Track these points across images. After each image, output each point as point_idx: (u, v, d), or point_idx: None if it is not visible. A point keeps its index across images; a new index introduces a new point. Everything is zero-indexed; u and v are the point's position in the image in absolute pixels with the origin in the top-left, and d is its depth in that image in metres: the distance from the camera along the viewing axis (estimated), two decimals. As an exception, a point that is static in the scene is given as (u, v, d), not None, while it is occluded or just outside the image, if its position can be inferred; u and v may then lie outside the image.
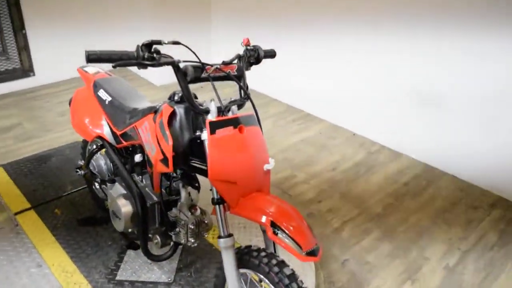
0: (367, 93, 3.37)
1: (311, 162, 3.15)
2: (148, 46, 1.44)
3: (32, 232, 2.34)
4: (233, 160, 1.49)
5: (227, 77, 1.61)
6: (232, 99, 1.63)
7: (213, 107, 1.55)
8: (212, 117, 1.54)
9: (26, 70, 4.19)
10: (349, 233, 2.48)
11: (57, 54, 4.28)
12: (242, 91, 1.66)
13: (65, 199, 2.59)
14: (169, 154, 1.59)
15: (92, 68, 2.39)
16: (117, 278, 2.05)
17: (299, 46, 3.73)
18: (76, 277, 2.06)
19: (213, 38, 4.59)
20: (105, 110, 2.09)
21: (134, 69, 4.69)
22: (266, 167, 1.57)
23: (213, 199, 1.55)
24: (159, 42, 1.46)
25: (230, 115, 1.58)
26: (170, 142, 1.58)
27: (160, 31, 4.07)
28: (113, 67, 1.37)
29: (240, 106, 1.65)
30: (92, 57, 1.40)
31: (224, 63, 1.63)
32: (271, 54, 1.84)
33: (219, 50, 4.54)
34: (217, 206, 1.56)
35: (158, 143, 1.64)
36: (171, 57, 1.49)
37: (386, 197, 2.80)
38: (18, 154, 3.12)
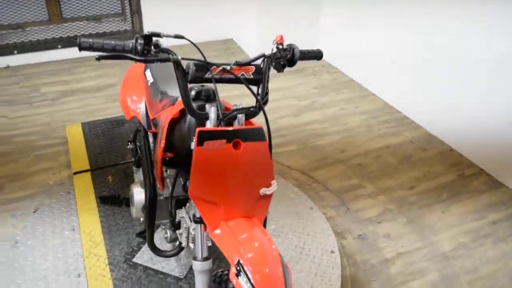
0: (479, 107, 2.82)
1: (387, 174, 2.77)
2: (147, 38, 1.29)
3: (80, 195, 2.44)
4: (219, 179, 1.29)
5: (237, 80, 1.39)
6: (240, 106, 1.41)
7: (212, 113, 1.36)
8: (210, 125, 1.36)
9: (137, 33, 4.38)
10: (400, 268, 2.12)
11: (167, 21, 4.39)
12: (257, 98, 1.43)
13: (120, 168, 2.65)
14: (159, 156, 1.46)
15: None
16: (134, 260, 2.03)
17: (424, 43, 3.24)
18: (98, 249, 2.09)
19: (321, 26, 4.29)
20: (146, 91, 2.03)
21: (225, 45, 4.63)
22: (263, 191, 1.35)
23: (193, 215, 1.39)
24: (158, 35, 1.30)
25: (235, 125, 1.38)
26: (162, 144, 1.44)
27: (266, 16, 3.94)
28: (97, 59, 1.26)
29: (250, 116, 1.42)
30: (84, 46, 1.30)
31: (238, 64, 1.41)
32: (314, 55, 1.57)
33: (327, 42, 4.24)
34: (196, 224, 1.41)
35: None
36: (173, 53, 1.33)
37: (459, 235, 2.34)
38: (101, 115, 3.29)
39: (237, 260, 1.19)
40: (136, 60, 1.29)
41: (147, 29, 4.38)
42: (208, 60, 1.36)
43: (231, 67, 1.38)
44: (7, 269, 1.99)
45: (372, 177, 2.73)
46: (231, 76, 1.38)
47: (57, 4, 4.32)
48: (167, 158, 1.48)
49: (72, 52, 4.22)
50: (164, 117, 1.57)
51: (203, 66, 1.35)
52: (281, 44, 1.48)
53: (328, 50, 4.22)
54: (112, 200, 1.89)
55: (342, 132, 3.16)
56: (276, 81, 3.86)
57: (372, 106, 3.53)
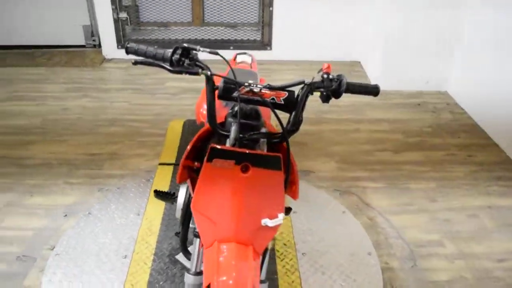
0: None
1: (477, 238, 2.40)
2: (185, 50, 1.34)
3: (156, 185, 2.62)
4: (221, 199, 1.27)
5: (265, 103, 1.35)
6: (263, 130, 1.37)
7: (233, 133, 1.35)
8: (228, 143, 1.35)
9: (265, 44, 4.53)
10: None
11: (296, 35, 4.45)
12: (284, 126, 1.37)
13: (200, 168, 2.78)
14: (181, 162, 1.48)
15: (245, 57, 2.40)
16: (176, 256, 2.10)
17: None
18: (151, 238, 2.22)
19: (455, 61, 3.90)
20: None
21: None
22: (265, 222, 1.28)
23: (194, 228, 1.39)
24: (194, 48, 1.34)
25: (257, 149, 1.35)
26: (186, 152, 1.47)
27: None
28: (133, 63, 1.35)
29: (271, 143, 1.38)
30: (130, 50, 1.40)
31: (270, 87, 1.37)
32: (368, 90, 1.44)
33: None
34: (196, 238, 1.40)
35: None
36: (206, 67, 1.36)
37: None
38: (206, 115, 3.48)
39: (208, 284, 1.16)
40: (167, 70, 1.34)
41: (275, 41, 4.50)
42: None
43: (260, 89, 1.35)
44: (74, 235, 2.24)
45: (456, 238, 2.40)
46: (259, 99, 1.35)
47: (201, 8, 4.70)
48: (194, 167, 1.50)
49: (205, 54, 4.53)
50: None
51: (233, 85, 1.34)
52: (327, 73, 1.39)
53: (458, 88, 3.84)
54: (165, 196, 2.00)
55: (441, 180, 2.84)
56: (388, 111, 3.64)
57: (490, 158, 3.10)
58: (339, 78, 1.38)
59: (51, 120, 3.43)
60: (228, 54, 4.47)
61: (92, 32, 4.66)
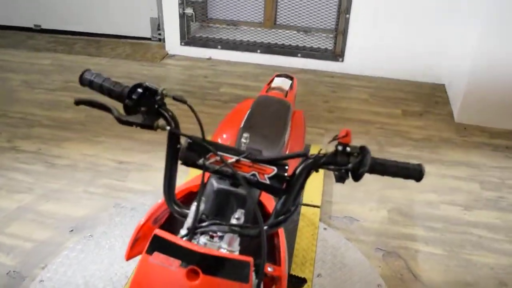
0: None
1: None
2: (147, 90, 1.00)
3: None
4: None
5: (237, 180, 0.97)
6: (236, 217, 0.99)
7: (190, 217, 0.99)
8: (183, 231, 0.98)
9: (337, 55, 4.06)
10: None
11: (373, 48, 3.93)
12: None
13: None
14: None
15: (283, 80, 2.00)
16: None
17: None
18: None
19: None
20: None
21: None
22: None
23: None
24: (156, 91, 0.99)
25: (221, 245, 0.97)
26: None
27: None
28: (75, 103, 1.03)
29: (244, 236, 0.98)
30: (85, 81, 1.09)
31: (254, 159, 0.98)
32: (401, 172, 1.00)
33: None
34: None
35: None
36: (171, 118, 1.00)
37: None
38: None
39: None
40: (115, 118, 1.00)
41: (348, 52, 4.01)
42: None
43: (237, 161, 0.97)
44: (67, 260, 2.02)
45: None
46: (231, 171, 0.97)
47: (274, 9, 4.33)
48: None
49: (270, 59, 4.20)
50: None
51: (200, 147, 0.98)
52: (346, 144, 0.97)
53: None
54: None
55: (519, 257, 2.24)
56: (469, 152, 3.02)
57: None
58: (361, 153, 0.96)
59: (95, 116, 3.30)
60: (296, 62, 4.12)
61: (158, 26, 4.51)
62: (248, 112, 1.69)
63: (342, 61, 4.06)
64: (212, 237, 0.96)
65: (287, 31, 4.29)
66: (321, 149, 1.01)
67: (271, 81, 2.00)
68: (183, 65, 4.22)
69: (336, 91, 3.79)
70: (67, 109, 3.40)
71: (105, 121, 3.24)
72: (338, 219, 2.40)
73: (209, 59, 4.32)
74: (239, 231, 0.96)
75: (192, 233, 0.95)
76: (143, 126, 0.98)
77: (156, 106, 1.00)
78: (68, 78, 3.88)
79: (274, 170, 0.97)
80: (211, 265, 0.89)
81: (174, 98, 0.99)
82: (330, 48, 4.08)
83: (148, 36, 4.65)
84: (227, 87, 3.80)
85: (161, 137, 3.05)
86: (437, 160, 2.93)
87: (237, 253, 0.97)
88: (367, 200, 2.56)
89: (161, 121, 1.00)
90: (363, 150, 0.95)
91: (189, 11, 4.16)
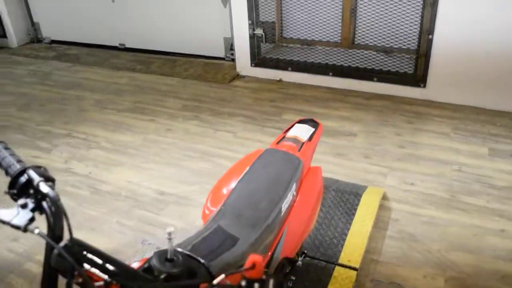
0: None
1: None
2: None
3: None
4: None
5: None
6: None
7: None
8: None
9: (418, 80, 3.59)
10: None
11: (460, 72, 3.40)
12: None
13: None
14: None
15: (304, 128, 1.70)
16: None
17: None
18: None
19: None
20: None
21: None
22: None
23: None
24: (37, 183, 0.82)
25: None
26: None
27: None
28: None
29: None
30: None
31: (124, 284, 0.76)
32: None
33: None
34: None
35: None
36: (54, 215, 0.81)
37: None
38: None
39: None
40: None
41: (431, 77, 3.52)
42: None
43: (109, 283, 0.76)
44: None
45: None
46: None
47: (352, 28, 4.00)
48: None
49: (342, 83, 3.86)
50: None
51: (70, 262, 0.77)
52: (252, 280, 0.71)
53: None
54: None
55: None
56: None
57: None
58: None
59: (149, 141, 3.27)
60: (371, 86, 3.72)
61: (231, 46, 4.42)
62: (245, 171, 1.44)
63: (424, 86, 3.58)
64: None
65: (366, 52, 3.92)
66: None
67: (290, 127, 1.72)
68: (251, 87, 4.07)
69: (413, 121, 3.33)
70: (127, 131, 3.43)
71: (158, 146, 3.20)
72: (380, 284, 2.03)
73: (280, 81, 4.11)
74: None
75: None
76: (12, 226, 0.79)
77: (37, 198, 0.81)
78: (138, 99, 3.94)
79: None
80: None
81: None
82: (410, 72, 3.62)
83: (222, 56, 4.58)
84: (291, 113, 3.55)
85: (212, 167, 2.93)
86: (525, 217, 2.38)
87: None
88: (423, 263, 2.13)
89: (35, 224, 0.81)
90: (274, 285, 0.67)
91: (259, 31, 4.00)
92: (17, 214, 0.79)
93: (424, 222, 2.38)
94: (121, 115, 3.70)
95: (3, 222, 0.79)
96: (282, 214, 1.34)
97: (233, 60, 4.44)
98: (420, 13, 3.45)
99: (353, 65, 3.84)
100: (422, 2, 3.36)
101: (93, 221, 2.50)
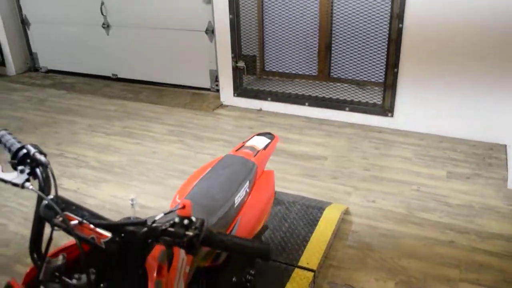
0: None
1: None
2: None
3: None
4: None
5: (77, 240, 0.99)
6: (76, 277, 0.99)
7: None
8: None
9: (386, 110, 3.90)
10: None
11: (424, 102, 3.71)
12: None
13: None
14: None
15: (262, 139, 1.97)
16: None
17: None
18: None
19: None
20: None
21: None
22: None
23: None
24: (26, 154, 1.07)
25: None
26: None
27: None
28: None
29: None
30: None
31: (95, 223, 1.01)
32: (242, 250, 0.94)
33: None
34: None
35: None
36: (44, 179, 1.06)
37: None
38: (283, 186, 3.08)
39: None
40: None
41: (398, 107, 3.83)
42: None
43: (80, 223, 0.99)
44: None
45: None
46: (76, 233, 0.99)
47: (327, 62, 4.34)
48: None
49: (317, 112, 4.16)
50: None
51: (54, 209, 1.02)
52: (184, 217, 0.95)
53: None
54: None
55: None
56: (509, 223, 2.66)
57: None
58: (198, 226, 0.93)
59: (135, 161, 3.51)
60: (343, 116, 4.01)
61: (216, 77, 4.73)
62: (206, 171, 1.69)
63: (392, 116, 3.88)
64: None
65: (340, 84, 4.24)
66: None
67: (250, 139, 1.98)
68: (233, 116, 4.35)
69: (380, 147, 3.61)
70: (114, 152, 3.67)
71: (143, 166, 3.43)
72: (336, 286, 2.24)
73: (260, 110, 4.40)
74: None
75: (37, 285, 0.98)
76: (12, 184, 1.04)
77: (32, 166, 1.06)
78: (126, 124, 4.20)
79: (109, 236, 0.97)
80: None
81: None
82: (379, 102, 3.93)
83: (208, 86, 4.89)
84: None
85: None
86: (472, 230, 2.62)
87: None
88: (377, 269, 2.35)
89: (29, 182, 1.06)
90: (200, 223, 0.92)
91: (241, 64, 4.32)
92: (17, 176, 1.04)
93: (381, 234, 2.61)
94: (109, 138, 3.95)
95: (6, 181, 1.04)
96: (235, 206, 1.57)
97: (218, 90, 4.75)
98: (386, 48, 3.79)
99: (327, 96, 4.15)
100: (387, 37, 3.70)
101: (78, 231, 2.70)
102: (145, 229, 0.97)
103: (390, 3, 3.59)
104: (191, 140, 3.85)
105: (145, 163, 3.50)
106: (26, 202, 2.98)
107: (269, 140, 1.95)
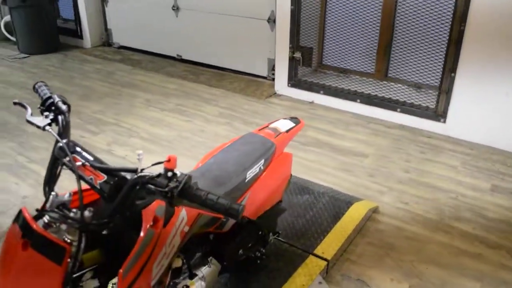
0: None
1: None
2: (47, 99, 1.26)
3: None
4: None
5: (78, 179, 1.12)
6: (73, 211, 1.11)
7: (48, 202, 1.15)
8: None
9: (438, 115, 3.77)
10: None
11: (481, 111, 3.56)
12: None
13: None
14: None
15: (285, 122, 2.02)
16: None
17: None
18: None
19: None
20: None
21: None
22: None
23: None
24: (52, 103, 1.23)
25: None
26: None
27: None
28: (13, 103, 1.31)
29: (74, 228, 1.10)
30: (35, 87, 1.36)
31: (95, 166, 1.12)
32: (218, 209, 1.03)
33: None
34: None
35: None
36: (64, 125, 1.21)
37: None
38: (314, 177, 3.12)
39: None
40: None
41: (452, 113, 3.70)
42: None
43: (83, 164, 1.12)
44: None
45: None
46: (79, 173, 1.12)
47: (386, 61, 4.27)
48: None
49: (368, 110, 4.11)
50: None
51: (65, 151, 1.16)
52: (169, 169, 1.05)
53: None
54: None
55: None
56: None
57: None
58: (181, 179, 1.02)
59: (182, 137, 3.70)
60: (394, 116, 3.93)
61: (273, 66, 4.81)
62: (227, 146, 1.79)
63: (444, 121, 3.75)
64: (51, 223, 1.10)
65: (397, 85, 4.15)
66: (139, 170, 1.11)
67: (275, 121, 2.04)
68: (284, 105, 4.42)
69: (426, 152, 3.52)
70: (165, 127, 3.88)
71: (189, 143, 3.60)
72: (348, 279, 2.26)
73: (311, 103, 4.43)
74: (69, 223, 1.09)
75: (40, 214, 1.12)
76: (37, 126, 1.20)
77: (56, 113, 1.21)
78: (181, 102, 4.41)
79: (104, 177, 1.09)
80: (39, 241, 1.04)
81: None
82: (432, 106, 3.81)
83: (265, 75, 4.99)
84: (313, 131, 3.85)
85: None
86: (504, 247, 2.51)
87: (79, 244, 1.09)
88: (394, 269, 2.34)
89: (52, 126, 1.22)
90: (182, 177, 1.00)
91: (297, 55, 4.36)
92: (42, 120, 1.20)
93: (406, 236, 2.57)
94: (163, 113, 4.17)
95: (32, 123, 1.20)
96: (246, 180, 1.65)
97: (274, 79, 4.82)
98: (445, 51, 3.66)
99: (380, 95, 4.08)
100: (447, 39, 3.58)
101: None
102: (135, 176, 1.08)
103: (454, 4, 3.46)
104: (239, 124, 3.97)
105: (191, 140, 3.67)
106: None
107: (294, 125, 2.01)
